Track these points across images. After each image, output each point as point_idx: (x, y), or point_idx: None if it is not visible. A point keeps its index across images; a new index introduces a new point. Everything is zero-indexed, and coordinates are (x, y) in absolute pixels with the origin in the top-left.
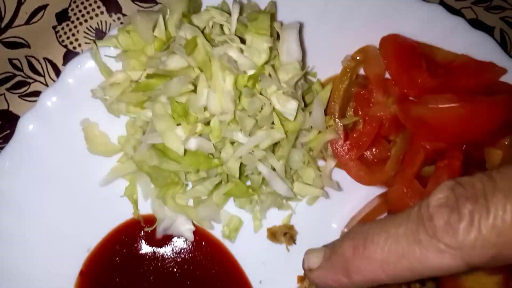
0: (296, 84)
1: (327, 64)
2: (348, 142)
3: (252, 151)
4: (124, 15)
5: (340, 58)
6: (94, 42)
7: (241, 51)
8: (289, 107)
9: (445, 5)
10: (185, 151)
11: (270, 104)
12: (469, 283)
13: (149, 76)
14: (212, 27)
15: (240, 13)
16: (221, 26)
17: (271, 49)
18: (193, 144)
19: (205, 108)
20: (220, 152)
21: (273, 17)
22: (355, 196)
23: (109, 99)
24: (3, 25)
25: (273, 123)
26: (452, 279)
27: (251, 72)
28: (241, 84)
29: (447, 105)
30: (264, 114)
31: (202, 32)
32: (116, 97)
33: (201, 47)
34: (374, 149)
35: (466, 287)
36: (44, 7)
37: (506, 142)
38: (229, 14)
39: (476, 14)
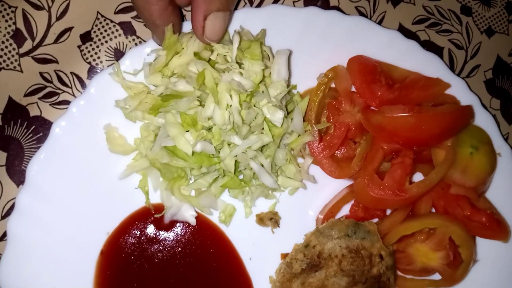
0: (282, 97)
1: (305, 80)
2: (322, 143)
3: (245, 151)
4: (138, 37)
5: (316, 75)
6: (118, 60)
7: (241, 74)
8: (277, 116)
9: (403, 28)
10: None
11: (262, 114)
12: (419, 258)
13: (164, 98)
14: (217, 55)
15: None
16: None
17: (263, 70)
18: (198, 146)
19: (208, 118)
20: (219, 152)
21: (262, 43)
22: (328, 187)
23: (129, 108)
24: (34, 43)
25: (263, 129)
26: (405, 255)
27: (250, 90)
28: (242, 100)
29: (400, 114)
30: (257, 122)
31: (208, 61)
32: (135, 106)
33: (209, 77)
34: (343, 149)
35: (416, 261)
36: (70, 29)
37: (448, 144)
38: (229, 41)
39: (429, 36)
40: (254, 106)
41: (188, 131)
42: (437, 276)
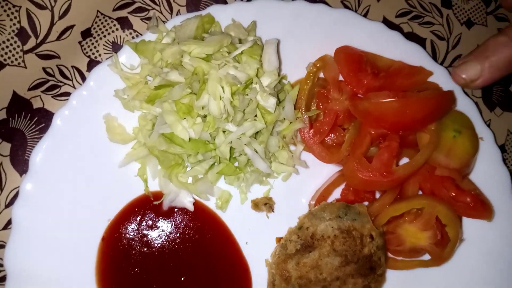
0: (275, 86)
1: (295, 70)
2: (312, 130)
3: (240, 137)
4: (135, 31)
5: (305, 65)
6: (116, 52)
7: (236, 67)
8: (270, 102)
9: (386, 21)
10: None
11: (255, 101)
12: (408, 239)
13: (156, 88)
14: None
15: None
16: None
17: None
18: (194, 133)
19: (203, 107)
20: (215, 138)
21: (253, 33)
22: (319, 173)
23: (127, 98)
24: (38, 41)
25: (255, 116)
26: (395, 236)
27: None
28: (234, 90)
29: (385, 100)
30: (251, 108)
31: None
32: (133, 96)
33: (201, 73)
34: (332, 135)
35: (406, 242)
36: (71, 27)
37: (432, 128)
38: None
39: (412, 28)
40: (247, 95)
41: (185, 118)
42: (426, 258)
